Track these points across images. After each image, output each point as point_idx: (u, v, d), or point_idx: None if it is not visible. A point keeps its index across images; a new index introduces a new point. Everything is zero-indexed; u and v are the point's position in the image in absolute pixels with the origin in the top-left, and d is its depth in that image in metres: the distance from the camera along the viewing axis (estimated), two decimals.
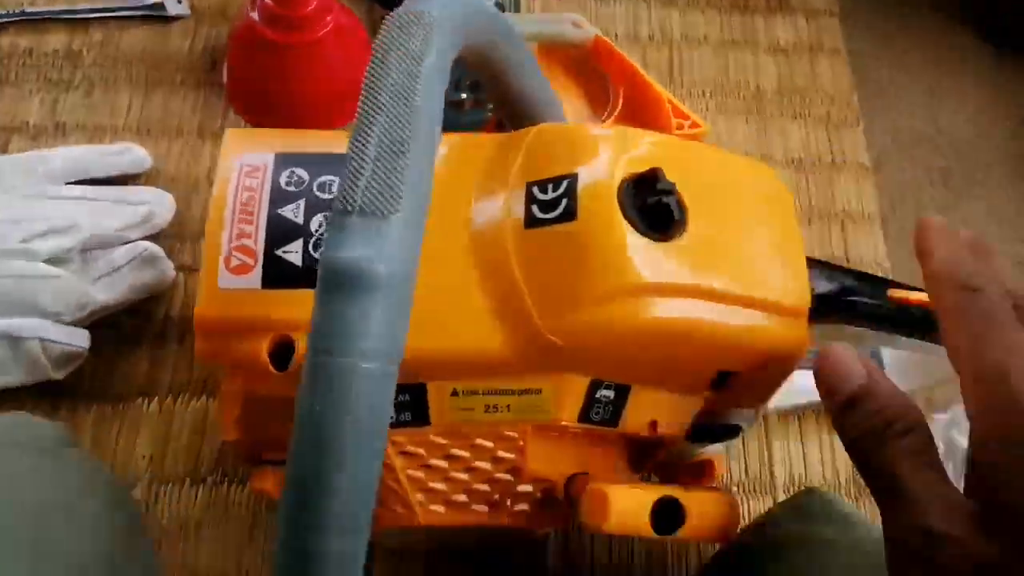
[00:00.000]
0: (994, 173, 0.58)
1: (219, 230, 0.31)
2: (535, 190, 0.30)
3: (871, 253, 0.54)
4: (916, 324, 0.34)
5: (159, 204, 0.48)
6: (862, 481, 0.25)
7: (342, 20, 0.51)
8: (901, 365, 0.45)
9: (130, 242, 0.47)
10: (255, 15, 0.50)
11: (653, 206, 0.29)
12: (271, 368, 0.31)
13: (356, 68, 0.54)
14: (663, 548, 0.44)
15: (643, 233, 0.29)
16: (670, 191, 0.29)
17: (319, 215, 0.32)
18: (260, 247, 0.31)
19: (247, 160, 0.33)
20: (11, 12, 0.55)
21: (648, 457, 0.37)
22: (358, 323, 0.22)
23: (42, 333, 0.43)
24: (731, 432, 0.36)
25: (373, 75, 0.25)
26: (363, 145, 0.24)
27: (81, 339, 0.44)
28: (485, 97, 0.53)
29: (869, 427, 0.25)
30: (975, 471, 0.24)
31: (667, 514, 0.30)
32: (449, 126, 0.51)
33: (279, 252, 0.31)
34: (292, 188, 0.32)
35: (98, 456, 0.43)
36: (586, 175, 0.30)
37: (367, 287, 0.22)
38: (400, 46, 0.25)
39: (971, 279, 0.25)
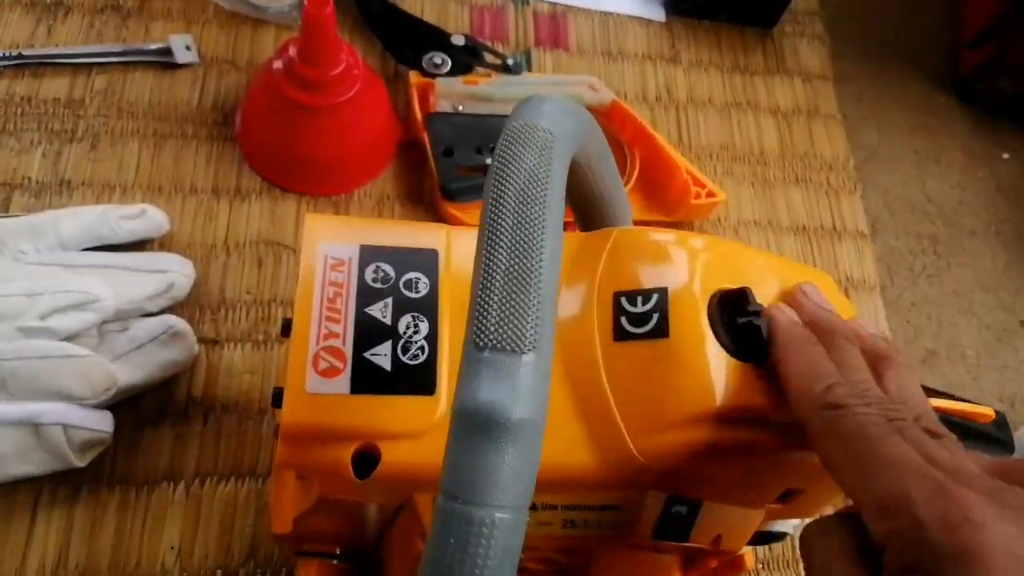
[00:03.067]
0: (976, 240, 0.62)
1: (306, 327, 0.31)
2: (623, 301, 0.30)
3: (872, 321, 0.57)
4: (965, 435, 0.36)
5: (180, 272, 0.47)
6: None
7: (367, 80, 0.50)
8: None
9: (150, 314, 0.46)
10: (279, 70, 0.48)
11: (743, 327, 0.30)
12: (353, 476, 0.30)
13: (377, 128, 0.53)
14: None
15: (733, 354, 0.29)
16: (759, 312, 0.30)
17: (407, 316, 0.31)
18: (348, 349, 0.30)
19: (331, 251, 0.32)
20: (6, 55, 0.52)
21: (699, 562, 0.38)
22: (493, 472, 0.22)
23: (65, 419, 0.41)
24: (778, 537, 0.37)
25: (496, 199, 0.24)
26: (491, 276, 0.23)
27: (106, 423, 0.42)
28: None
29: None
30: None
31: None
32: (475, 189, 0.51)
33: (367, 355, 0.30)
34: (379, 285, 0.32)
35: (123, 548, 0.41)
36: (675, 290, 0.30)
37: (503, 433, 0.22)
38: (520, 168, 0.24)
39: (829, 395, 0.25)
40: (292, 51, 0.48)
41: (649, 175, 0.56)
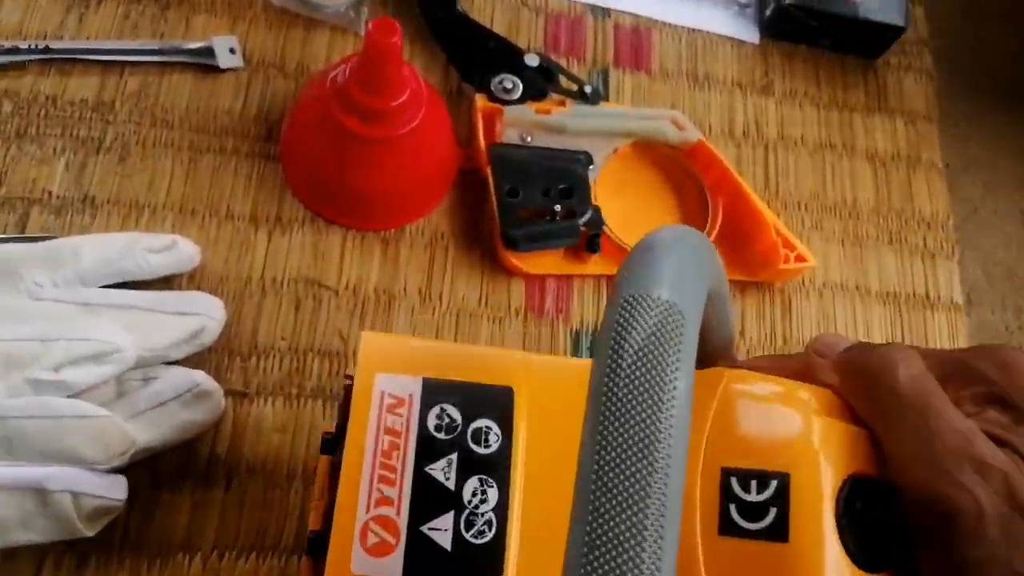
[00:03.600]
0: None
1: (356, 486, 0.26)
2: (734, 483, 0.25)
3: None
4: None
5: (209, 316, 0.42)
6: None
7: (431, 107, 0.45)
8: None
9: (172, 362, 0.41)
10: (332, 90, 0.43)
11: (878, 535, 0.25)
12: None
13: (437, 160, 0.47)
14: None
15: (862, 566, 0.25)
16: (904, 520, 0.25)
17: (473, 479, 0.27)
18: (404, 520, 0.26)
19: (390, 386, 0.27)
20: (33, 47, 0.46)
21: None
22: None
23: (75, 485, 0.37)
24: None
25: (604, 413, 0.19)
26: (594, 529, 0.18)
27: (119, 490, 0.38)
28: (577, 207, 0.47)
29: None
30: None
31: None
32: (540, 237, 0.46)
33: (425, 529, 0.26)
34: (443, 435, 0.27)
35: None
36: (799, 478, 0.25)
37: None
38: (637, 369, 0.19)
39: None
40: (349, 73, 0.42)
41: (733, 227, 0.50)
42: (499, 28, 0.54)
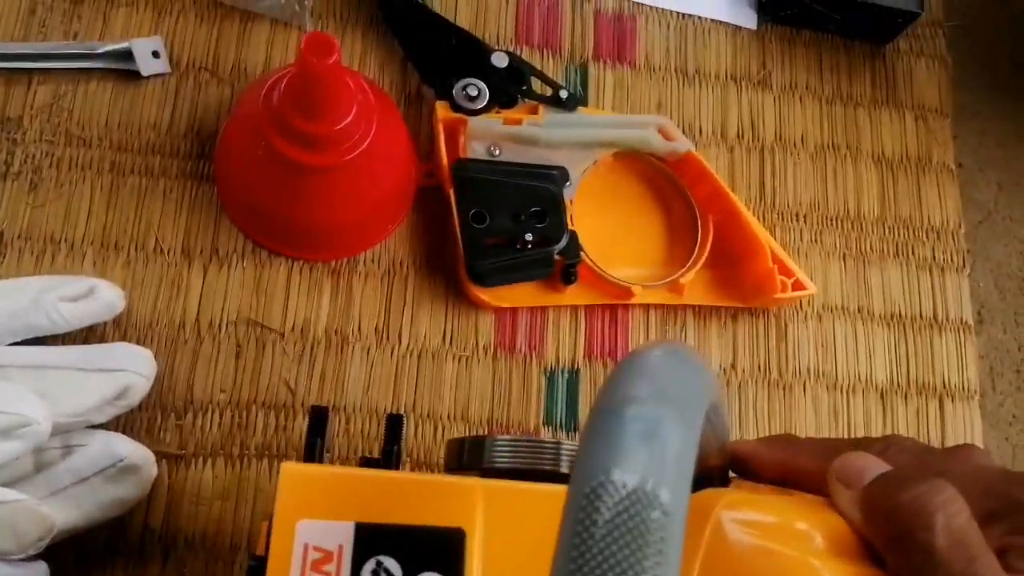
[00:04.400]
0: None
1: None
2: None
3: (968, 435, 0.48)
4: None
5: (137, 371, 0.37)
6: None
7: (383, 121, 0.39)
8: None
9: (95, 426, 0.37)
10: (266, 110, 0.37)
11: None
12: None
13: (392, 182, 0.42)
14: None
15: None
16: None
17: None
18: None
19: (314, 536, 0.23)
20: None
21: None
22: None
23: None
24: None
25: None
26: None
27: None
28: (551, 232, 0.42)
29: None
30: None
31: None
32: (509, 269, 0.41)
33: None
34: None
35: None
36: None
37: None
38: None
39: None
40: (284, 91, 0.37)
41: (725, 249, 0.45)
42: (465, 17, 0.48)
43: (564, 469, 0.27)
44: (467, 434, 0.41)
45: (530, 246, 0.42)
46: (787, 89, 0.52)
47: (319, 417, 0.32)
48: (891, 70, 0.54)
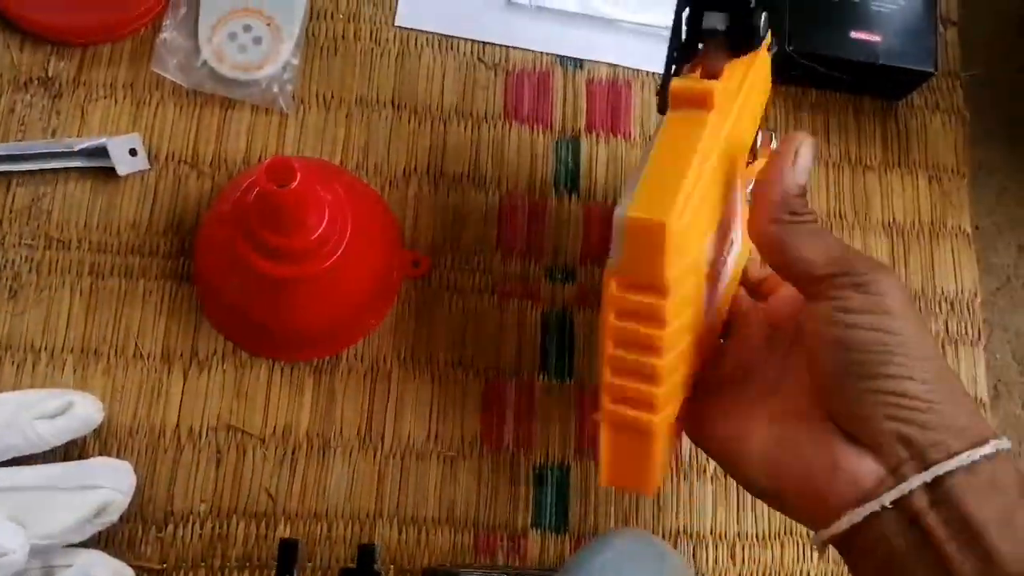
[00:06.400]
0: None
1: None
2: None
3: None
4: None
5: (115, 488, 0.37)
6: None
7: (362, 224, 0.38)
8: None
9: (74, 545, 0.37)
10: (236, 221, 0.36)
11: None
12: None
13: (375, 279, 0.41)
14: None
15: None
16: None
17: None
18: None
19: None
20: None
21: None
22: None
23: None
24: None
25: None
26: None
27: None
28: None
29: None
30: None
31: None
32: None
33: None
34: None
35: None
36: None
37: None
38: None
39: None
40: (252, 205, 0.36)
41: None
42: (452, 91, 0.46)
43: None
44: (450, 546, 0.40)
45: None
46: None
47: (288, 552, 0.31)
48: (903, 128, 0.51)
